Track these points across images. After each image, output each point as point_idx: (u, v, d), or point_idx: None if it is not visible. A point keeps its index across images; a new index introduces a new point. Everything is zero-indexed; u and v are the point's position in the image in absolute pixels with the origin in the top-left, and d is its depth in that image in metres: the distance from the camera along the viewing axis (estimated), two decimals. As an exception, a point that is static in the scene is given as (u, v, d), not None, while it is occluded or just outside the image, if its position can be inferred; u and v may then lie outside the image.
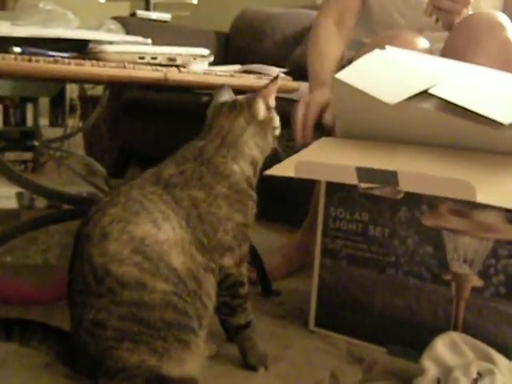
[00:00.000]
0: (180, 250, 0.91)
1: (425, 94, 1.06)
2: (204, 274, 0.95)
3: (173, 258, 0.90)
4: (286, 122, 1.43)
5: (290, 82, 1.44)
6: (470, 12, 1.41)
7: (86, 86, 3.69)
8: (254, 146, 1.04)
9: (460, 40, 1.34)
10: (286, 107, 1.95)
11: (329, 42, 1.60)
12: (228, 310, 1.03)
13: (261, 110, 1.05)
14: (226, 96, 1.12)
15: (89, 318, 0.88)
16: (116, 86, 2.46)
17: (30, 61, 1.01)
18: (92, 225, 0.90)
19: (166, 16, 3.10)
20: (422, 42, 1.40)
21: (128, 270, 0.87)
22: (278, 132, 1.09)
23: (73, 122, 4.03)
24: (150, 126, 2.87)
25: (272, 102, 1.07)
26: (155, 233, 0.90)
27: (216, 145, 1.01)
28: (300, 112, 1.43)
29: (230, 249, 0.99)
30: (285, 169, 1.08)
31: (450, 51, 1.35)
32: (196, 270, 0.93)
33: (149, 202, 0.92)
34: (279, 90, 1.09)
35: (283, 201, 1.93)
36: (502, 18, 1.33)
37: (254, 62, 1.56)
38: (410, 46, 1.34)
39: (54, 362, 0.98)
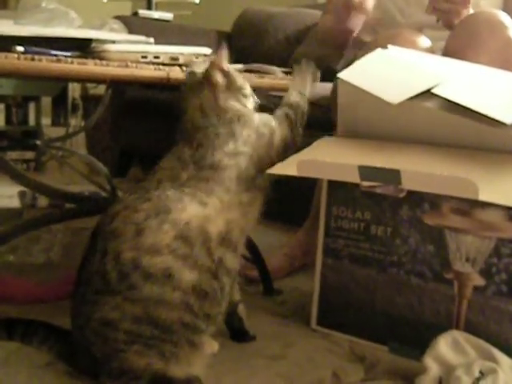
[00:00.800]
0: (226, 213, 0.93)
1: (427, 94, 1.06)
2: (239, 235, 0.96)
3: (211, 227, 0.90)
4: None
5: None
6: (471, 11, 1.41)
7: (89, 85, 3.69)
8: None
9: (461, 39, 1.34)
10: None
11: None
12: None
13: (218, 79, 1.06)
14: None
15: (98, 317, 0.87)
16: (118, 86, 2.46)
17: (32, 60, 1.02)
18: (121, 221, 0.88)
19: (168, 15, 3.10)
20: (424, 41, 1.40)
21: (160, 259, 0.86)
22: (247, 91, 1.10)
23: (75, 122, 4.03)
24: (152, 126, 2.87)
25: (226, 67, 1.09)
26: (202, 210, 0.90)
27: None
28: None
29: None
30: (287, 167, 1.08)
31: (451, 50, 1.35)
32: (227, 238, 0.93)
33: (188, 187, 0.92)
34: (281, 90, 1.10)
35: (285, 200, 1.93)
36: (503, 16, 1.33)
37: (255, 62, 1.56)
38: (412, 45, 1.34)
39: (55, 360, 0.98)
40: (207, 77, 1.07)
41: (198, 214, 0.90)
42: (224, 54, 1.10)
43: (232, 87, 1.08)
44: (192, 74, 1.10)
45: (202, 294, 0.90)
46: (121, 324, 0.86)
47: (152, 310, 0.86)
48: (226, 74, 1.08)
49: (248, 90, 1.11)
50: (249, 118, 1.04)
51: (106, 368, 0.89)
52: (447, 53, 1.36)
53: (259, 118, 1.06)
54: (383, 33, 1.48)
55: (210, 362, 0.97)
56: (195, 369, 0.93)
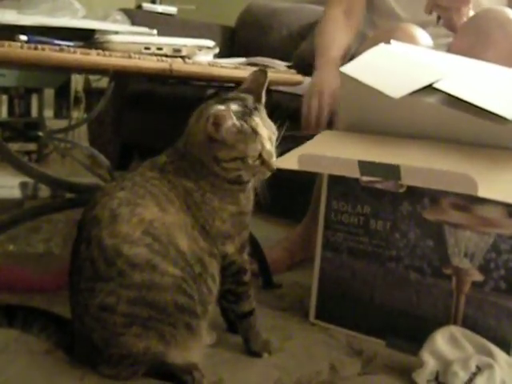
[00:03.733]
0: (184, 232, 0.93)
1: (429, 89, 1.07)
2: (208, 258, 0.96)
3: (180, 241, 0.91)
4: (291, 115, 1.44)
5: (294, 75, 1.45)
6: (471, 11, 1.41)
7: (91, 78, 3.69)
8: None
9: (470, 36, 1.34)
10: (289, 101, 1.97)
11: (337, 30, 1.60)
12: (233, 297, 1.04)
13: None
14: None
15: (96, 303, 0.88)
16: (121, 79, 2.46)
17: (35, 49, 1.02)
18: (100, 208, 0.90)
19: (171, 9, 3.10)
20: (423, 35, 1.39)
21: (139, 251, 0.88)
22: None
23: (77, 114, 4.04)
24: (154, 119, 2.87)
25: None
26: (162, 215, 0.91)
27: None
28: (314, 102, 1.43)
29: (230, 237, 0.99)
30: (288, 161, 1.08)
31: (458, 46, 1.35)
32: (200, 253, 0.94)
33: (152, 186, 0.93)
34: (284, 84, 1.10)
35: (284, 194, 1.93)
36: None
37: (259, 56, 1.56)
38: (411, 39, 1.33)
39: (54, 348, 0.99)
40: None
41: (159, 217, 0.91)
42: None
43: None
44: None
45: (189, 283, 0.91)
46: (118, 307, 0.87)
47: (145, 293, 0.88)
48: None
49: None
50: None
51: (105, 355, 0.90)
52: (454, 48, 1.35)
53: None
54: (383, 27, 1.48)
55: (208, 352, 0.98)
56: (194, 356, 0.95)
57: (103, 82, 3.20)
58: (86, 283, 0.89)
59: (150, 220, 0.90)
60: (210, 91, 2.38)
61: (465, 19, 1.42)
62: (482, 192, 0.89)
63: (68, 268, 0.95)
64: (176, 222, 0.92)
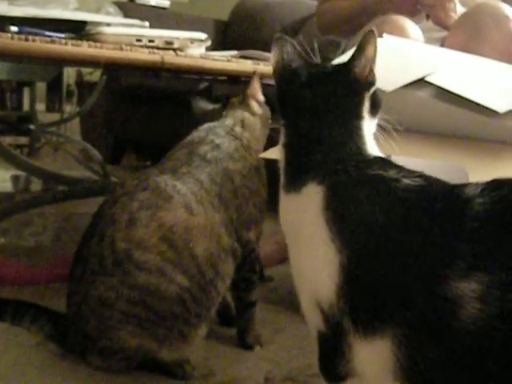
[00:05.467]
0: (208, 233, 0.92)
1: (421, 82, 1.07)
2: (225, 257, 0.96)
3: (197, 245, 0.91)
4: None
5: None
6: (460, 7, 1.41)
7: (84, 71, 3.67)
8: (262, 135, 1.12)
9: (464, 31, 1.34)
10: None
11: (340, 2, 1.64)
12: (247, 285, 1.06)
13: (256, 109, 1.12)
14: None
15: (96, 295, 0.88)
16: (113, 72, 2.45)
17: (26, 40, 1.01)
18: (119, 208, 0.90)
19: (164, 2, 3.08)
20: (413, 28, 1.39)
21: (151, 257, 0.87)
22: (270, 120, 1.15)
23: (70, 108, 4.02)
24: (147, 113, 2.87)
25: (260, 97, 1.14)
26: (186, 218, 0.90)
27: (239, 125, 1.07)
28: None
29: (257, 222, 1.03)
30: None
31: (453, 41, 1.35)
32: (217, 255, 0.94)
33: (182, 184, 0.93)
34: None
35: (276, 188, 1.93)
36: (508, 9, 1.33)
37: (251, 50, 1.56)
38: (401, 32, 1.33)
39: (45, 341, 0.98)
40: (246, 104, 1.12)
41: (182, 221, 0.90)
42: (257, 85, 1.14)
43: (265, 118, 1.14)
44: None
45: (193, 296, 0.91)
46: (116, 303, 0.87)
47: (147, 296, 0.87)
48: (261, 104, 1.14)
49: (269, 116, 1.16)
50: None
51: (98, 347, 0.90)
52: (448, 44, 1.35)
53: None
54: (374, 20, 1.47)
55: (199, 345, 0.98)
56: (184, 353, 0.95)
57: (95, 76, 3.18)
58: (90, 275, 0.89)
59: (170, 225, 0.89)
60: (203, 85, 2.38)
61: (453, 15, 1.42)
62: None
63: (59, 261, 0.95)
64: (201, 223, 0.92)
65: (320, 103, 0.70)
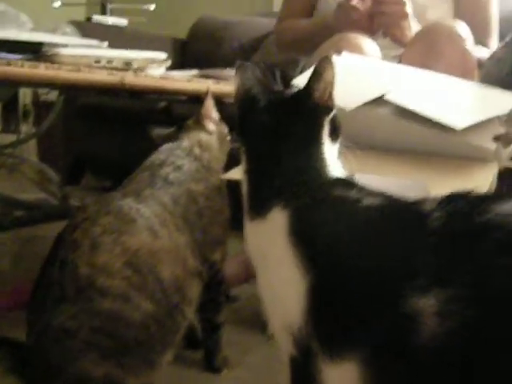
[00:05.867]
0: (173, 257, 0.91)
1: (381, 100, 1.08)
2: (191, 280, 0.95)
3: (163, 269, 0.89)
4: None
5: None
6: (415, 24, 1.45)
7: (40, 91, 3.61)
8: (221, 153, 1.13)
9: (420, 48, 1.37)
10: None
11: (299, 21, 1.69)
12: (214, 306, 1.06)
13: (211, 127, 1.13)
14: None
15: (57, 324, 0.84)
16: (71, 91, 2.42)
17: (-19, 62, 0.99)
18: (80, 233, 0.87)
19: (122, 21, 3.06)
20: (370, 45, 1.41)
21: (115, 283, 0.85)
22: (227, 136, 1.18)
23: (26, 128, 3.94)
24: (106, 133, 2.83)
25: (215, 116, 1.15)
26: (150, 241, 0.88)
27: (197, 146, 1.08)
28: None
29: (222, 242, 1.03)
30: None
31: (409, 58, 1.38)
32: (183, 278, 0.92)
33: (146, 207, 0.91)
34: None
35: (240, 207, 1.93)
36: (461, 28, 1.37)
37: (211, 68, 1.56)
38: (358, 50, 1.35)
39: (4, 373, 0.94)
40: (200, 125, 1.13)
41: (147, 244, 0.89)
42: (210, 104, 1.15)
43: (220, 134, 1.15)
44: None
45: (158, 322, 0.89)
46: (79, 332, 0.84)
47: (110, 323, 0.85)
48: (216, 122, 1.15)
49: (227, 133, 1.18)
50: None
51: (62, 378, 0.87)
52: (405, 61, 1.38)
53: None
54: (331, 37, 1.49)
55: (166, 370, 0.96)
56: (151, 380, 0.92)
57: (52, 95, 3.13)
58: (51, 303, 0.86)
59: (135, 249, 0.87)
60: (161, 104, 2.37)
61: (408, 33, 1.45)
62: (434, 199, 0.91)
63: (17, 288, 0.92)
64: (166, 246, 0.90)
65: (280, 128, 0.71)
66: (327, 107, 0.73)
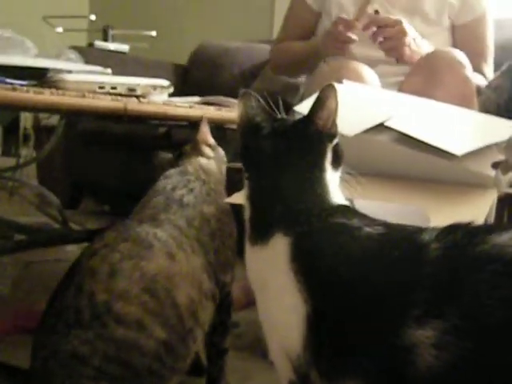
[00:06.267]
0: (190, 280, 0.91)
1: (381, 127, 1.09)
2: (205, 303, 0.95)
3: (179, 293, 0.89)
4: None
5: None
6: (424, 43, 1.47)
7: (41, 115, 3.63)
8: (221, 176, 1.14)
9: (420, 75, 1.39)
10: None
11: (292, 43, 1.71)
12: (222, 330, 1.05)
13: (208, 152, 1.15)
14: None
15: (68, 349, 0.83)
16: (72, 116, 2.43)
17: (-13, 88, 1.00)
18: (99, 260, 0.87)
19: (124, 47, 3.10)
20: (370, 74, 1.44)
21: (132, 309, 0.84)
22: (224, 158, 1.20)
23: (26, 152, 3.95)
24: (106, 158, 2.84)
25: (211, 141, 1.17)
26: (168, 265, 0.89)
27: (202, 171, 1.10)
28: None
29: (232, 264, 1.04)
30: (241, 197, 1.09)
31: (409, 86, 1.40)
32: (198, 301, 0.93)
33: (162, 231, 0.92)
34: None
35: (241, 232, 1.93)
36: (461, 56, 1.39)
37: (211, 95, 1.57)
38: (358, 77, 1.37)
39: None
40: (198, 151, 1.14)
41: (164, 268, 0.89)
42: (206, 129, 1.17)
43: (217, 158, 1.16)
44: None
45: (170, 349, 0.88)
46: (91, 359, 0.83)
47: (125, 351, 0.84)
48: (211, 146, 1.17)
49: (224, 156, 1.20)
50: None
51: None
52: (406, 88, 1.40)
53: None
54: (332, 63, 1.51)
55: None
56: None
57: (53, 119, 3.15)
58: (63, 328, 0.84)
59: (153, 274, 0.87)
60: (163, 129, 2.38)
61: (414, 49, 1.47)
62: (434, 225, 0.91)
63: (17, 312, 0.91)
64: (183, 270, 0.91)
65: (282, 155, 0.72)
66: (330, 134, 0.74)
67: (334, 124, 0.74)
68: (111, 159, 2.81)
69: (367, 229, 0.64)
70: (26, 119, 3.92)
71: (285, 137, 0.73)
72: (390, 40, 1.46)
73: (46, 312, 0.89)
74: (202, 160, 1.12)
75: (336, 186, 0.74)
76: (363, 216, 0.68)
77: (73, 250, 1.66)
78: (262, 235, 0.69)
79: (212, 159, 1.14)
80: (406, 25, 1.45)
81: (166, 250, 0.90)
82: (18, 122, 3.95)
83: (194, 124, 1.50)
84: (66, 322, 0.85)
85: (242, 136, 0.75)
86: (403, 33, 1.44)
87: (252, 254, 0.71)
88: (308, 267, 0.64)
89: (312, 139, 0.72)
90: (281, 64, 1.85)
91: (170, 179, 1.05)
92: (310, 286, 0.63)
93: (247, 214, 0.73)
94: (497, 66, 1.65)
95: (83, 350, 0.83)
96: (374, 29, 1.46)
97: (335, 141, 0.74)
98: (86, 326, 0.83)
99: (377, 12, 1.49)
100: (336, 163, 0.74)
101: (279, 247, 0.66)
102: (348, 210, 0.70)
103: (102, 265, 0.86)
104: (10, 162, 3.73)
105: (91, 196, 3.18)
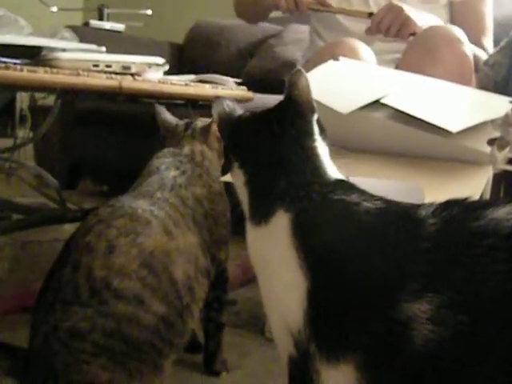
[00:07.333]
0: (186, 257, 0.93)
1: (377, 104, 1.09)
2: (201, 279, 0.96)
3: (176, 269, 0.90)
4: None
5: (246, 93, 1.46)
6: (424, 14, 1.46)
7: (37, 95, 3.61)
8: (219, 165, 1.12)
9: (418, 52, 1.38)
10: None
11: None
12: (218, 305, 1.09)
13: (214, 144, 1.15)
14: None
15: (67, 326, 0.83)
16: (68, 96, 2.42)
17: (-20, 66, 0.99)
18: (94, 236, 0.87)
19: (119, 26, 3.07)
20: (366, 51, 1.43)
21: (131, 284, 0.85)
22: None
23: (23, 133, 3.93)
24: (103, 137, 2.83)
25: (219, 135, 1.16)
26: (166, 241, 0.90)
27: (200, 155, 1.11)
28: None
29: (226, 242, 1.07)
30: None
31: (407, 63, 1.39)
32: (194, 277, 0.94)
33: (159, 209, 0.93)
34: (235, 101, 1.12)
35: (237, 211, 1.93)
36: (459, 32, 1.38)
37: (207, 73, 1.56)
38: (353, 54, 1.36)
39: (1, 377, 0.94)
40: (206, 138, 1.15)
41: (162, 244, 0.90)
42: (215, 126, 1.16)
43: (219, 151, 1.16)
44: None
45: (169, 324, 0.89)
46: (90, 335, 0.83)
47: (125, 326, 0.84)
48: (219, 140, 1.16)
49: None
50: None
51: (65, 381, 0.86)
52: (403, 65, 1.39)
53: None
54: (329, 40, 1.50)
55: (167, 373, 0.96)
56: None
57: (49, 100, 3.13)
58: (62, 305, 0.85)
59: (151, 250, 0.88)
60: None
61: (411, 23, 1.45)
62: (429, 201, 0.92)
63: (15, 292, 0.92)
64: (180, 246, 0.92)
65: (273, 133, 0.73)
66: (310, 107, 0.75)
67: (311, 98, 0.75)
68: (109, 139, 2.80)
69: (366, 204, 0.65)
70: (23, 100, 3.90)
71: (270, 117, 0.75)
72: (392, 25, 1.44)
73: (43, 290, 0.89)
74: (205, 148, 1.13)
75: (329, 160, 0.74)
76: (361, 191, 0.68)
77: (70, 230, 1.66)
78: (263, 214, 0.70)
79: (215, 151, 1.15)
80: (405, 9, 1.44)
81: (163, 226, 0.91)
82: (14, 103, 3.93)
83: (190, 103, 1.50)
84: (64, 299, 0.85)
85: (225, 130, 0.78)
86: (404, 17, 1.43)
87: (254, 234, 0.72)
88: (308, 243, 0.65)
89: (298, 114, 0.74)
90: (237, 8, 1.87)
91: (163, 159, 1.06)
92: (310, 261, 0.63)
93: (245, 198, 0.74)
94: (495, 43, 1.64)
95: (83, 325, 0.83)
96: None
97: (316, 115, 0.75)
98: (84, 303, 0.84)
99: (371, 14, 1.48)
100: (323, 135, 0.75)
101: (281, 223, 0.67)
102: (346, 185, 0.70)
103: (99, 241, 0.87)
104: (7, 143, 3.72)
105: (89, 176, 3.18)
